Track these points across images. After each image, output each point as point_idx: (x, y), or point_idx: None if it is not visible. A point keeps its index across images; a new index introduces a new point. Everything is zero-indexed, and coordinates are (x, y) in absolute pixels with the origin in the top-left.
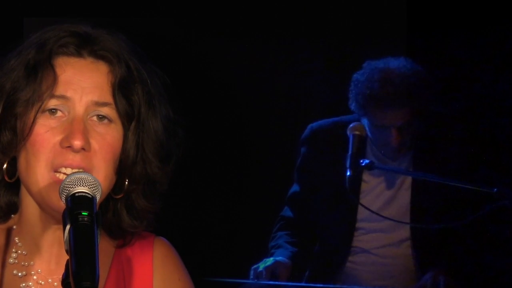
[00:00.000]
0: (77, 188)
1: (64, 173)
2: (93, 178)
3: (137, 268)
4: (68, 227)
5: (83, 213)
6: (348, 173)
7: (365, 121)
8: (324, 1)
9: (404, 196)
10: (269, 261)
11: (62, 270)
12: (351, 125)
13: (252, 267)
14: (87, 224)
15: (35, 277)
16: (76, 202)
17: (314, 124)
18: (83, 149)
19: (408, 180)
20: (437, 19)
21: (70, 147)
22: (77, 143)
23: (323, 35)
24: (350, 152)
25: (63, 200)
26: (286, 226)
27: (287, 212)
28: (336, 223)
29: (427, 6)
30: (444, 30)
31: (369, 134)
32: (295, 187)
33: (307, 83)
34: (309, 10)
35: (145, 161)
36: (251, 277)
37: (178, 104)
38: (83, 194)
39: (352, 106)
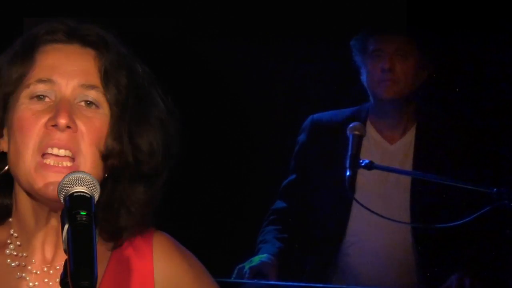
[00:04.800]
0: (75, 187)
1: (51, 154)
2: (91, 177)
3: (136, 265)
4: (66, 226)
5: (81, 213)
6: (348, 173)
7: (364, 68)
8: (324, 0)
9: (400, 191)
10: (255, 261)
11: (57, 259)
12: (351, 125)
13: (237, 267)
14: (86, 224)
15: (29, 267)
16: (75, 202)
17: (315, 115)
18: (68, 127)
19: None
20: (437, 18)
21: (55, 125)
22: (62, 121)
23: (323, 34)
24: (349, 152)
25: (61, 199)
26: (276, 221)
27: (279, 204)
28: (330, 213)
29: (427, 5)
30: (444, 29)
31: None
32: (290, 177)
33: (307, 82)
34: (308, 9)
35: (133, 150)
36: (234, 276)
37: (176, 101)
38: (82, 193)
39: (357, 59)
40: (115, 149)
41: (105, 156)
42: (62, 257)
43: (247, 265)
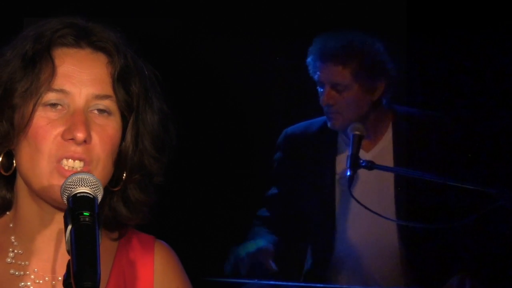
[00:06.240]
0: (78, 188)
1: (66, 164)
2: (94, 178)
3: (138, 270)
4: (69, 227)
5: (84, 213)
6: (349, 173)
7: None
8: (324, 1)
9: (387, 185)
10: (251, 247)
11: (60, 268)
12: (351, 125)
13: (232, 253)
14: (89, 224)
15: (32, 276)
16: (78, 202)
17: (288, 129)
18: (84, 141)
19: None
20: (437, 19)
21: (72, 139)
22: (80, 135)
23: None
24: (350, 152)
25: (64, 200)
26: (263, 225)
27: (263, 212)
28: (316, 221)
29: (427, 6)
30: (444, 30)
31: None
32: (273, 190)
33: (306, 83)
34: (309, 10)
35: (142, 153)
36: (231, 261)
37: (174, 102)
38: (85, 194)
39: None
40: (126, 155)
41: (116, 162)
42: (64, 267)
43: (242, 251)
